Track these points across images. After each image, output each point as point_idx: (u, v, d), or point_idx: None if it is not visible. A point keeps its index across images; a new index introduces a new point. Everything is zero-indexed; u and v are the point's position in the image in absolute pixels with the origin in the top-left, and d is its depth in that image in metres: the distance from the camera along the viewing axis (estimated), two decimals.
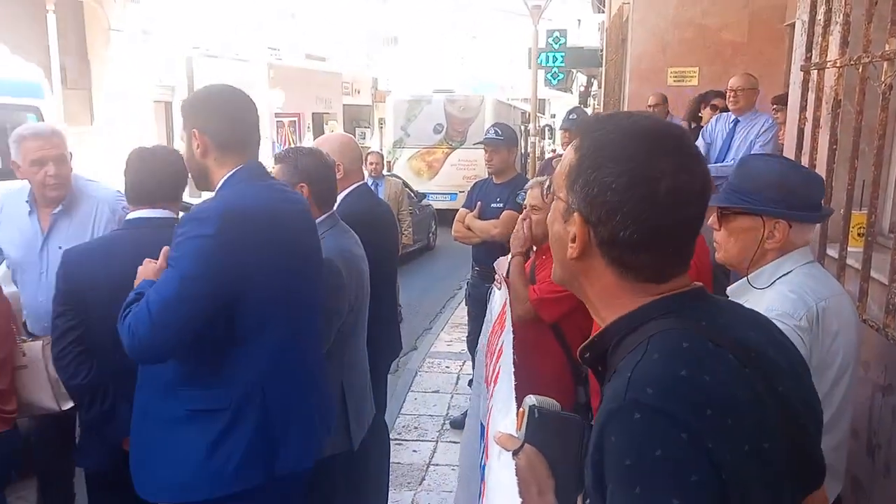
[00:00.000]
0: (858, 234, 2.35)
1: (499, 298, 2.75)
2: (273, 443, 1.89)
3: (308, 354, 2.05)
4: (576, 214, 1.01)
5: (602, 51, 12.39)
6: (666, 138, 1.01)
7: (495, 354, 2.11)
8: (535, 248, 2.96)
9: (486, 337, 2.71)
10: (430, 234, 12.25)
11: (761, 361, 0.96)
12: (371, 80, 29.07)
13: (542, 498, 1.05)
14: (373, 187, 6.17)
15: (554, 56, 16.09)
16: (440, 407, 5.28)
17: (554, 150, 28.94)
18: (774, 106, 5.29)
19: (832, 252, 2.48)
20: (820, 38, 2.48)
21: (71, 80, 13.85)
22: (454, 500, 2.66)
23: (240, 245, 1.80)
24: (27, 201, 2.94)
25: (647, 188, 0.96)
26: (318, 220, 2.46)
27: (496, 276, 2.92)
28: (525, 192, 3.74)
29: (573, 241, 1.03)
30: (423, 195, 12.29)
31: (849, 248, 2.32)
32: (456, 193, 14.76)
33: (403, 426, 5.00)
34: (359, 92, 28.23)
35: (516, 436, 1.13)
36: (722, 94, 5.48)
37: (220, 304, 1.78)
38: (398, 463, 4.35)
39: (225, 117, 1.99)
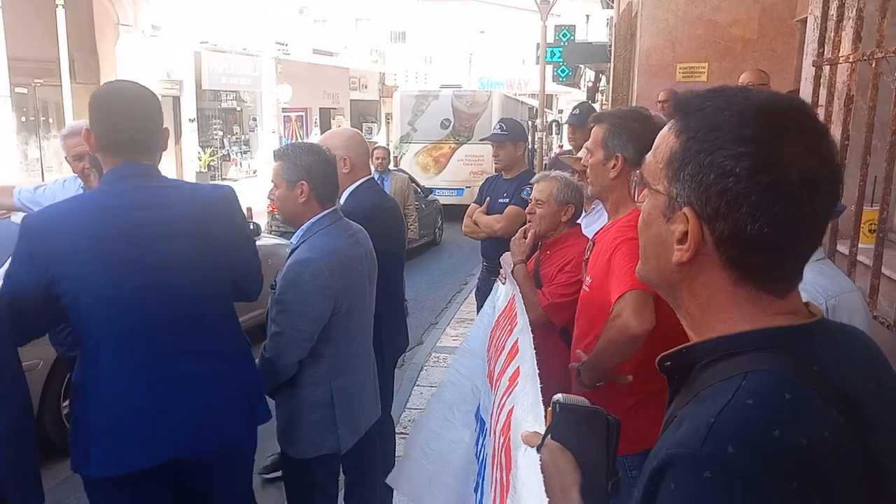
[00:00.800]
0: (870, 231, 2.34)
1: (503, 293, 2.73)
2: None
3: (191, 343, 2.09)
4: (685, 209, 0.86)
5: (610, 46, 12.35)
6: (791, 115, 0.86)
7: (503, 351, 2.09)
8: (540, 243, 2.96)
9: (488, 331, 2.69)
10: (437, 230, 12.24)
11: (865, 416, 0.82)
12: (379, 75, 29.08)
13: (565, 494, 0.99)
14: (379, 182, 6.24)
15: (552, 51, 16.04)
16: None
17: (561, 146, 28.89)
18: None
19: (843, 248, 2.47)
20: (832, 34, 2.46)
21: (80, 75, 13.90)
22: (403, 478, 2.62)
23: (51, 248, 1.92)
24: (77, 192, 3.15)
25: (775, 175, 0.81)
26: (315, 218, 2.48)
27: (500, 271, 2.91)
28: (530, 188, 3.79)
29: (680, 241, 0.88)
30: (430, 190, 12.27)
31: (860, 245, 2.31)
32: (462, 189, 14.74)
33: (409, 420, 5.00)
34: (366, 87, 28.25)
35: (540, 432, 1.10)
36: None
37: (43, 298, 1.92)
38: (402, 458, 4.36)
39: (104, 119, 2.00)
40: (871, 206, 2.38)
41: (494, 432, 1.71)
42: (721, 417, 0.77)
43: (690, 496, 0.76)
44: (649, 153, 0.95)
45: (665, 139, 0.90)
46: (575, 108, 5.78)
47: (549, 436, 1.06)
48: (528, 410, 1.35)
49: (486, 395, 2.28)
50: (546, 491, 1.01)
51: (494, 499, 1.53)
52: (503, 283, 2.83)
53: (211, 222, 2.11)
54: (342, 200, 3.16)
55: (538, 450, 1.05)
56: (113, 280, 1.93)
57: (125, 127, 2.00)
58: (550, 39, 15.54)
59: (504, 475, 1.36)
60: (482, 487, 2.08)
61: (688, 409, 0.84)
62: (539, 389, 1.41)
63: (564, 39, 15.81)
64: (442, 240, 12.41)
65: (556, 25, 15.28)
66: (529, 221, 2.98)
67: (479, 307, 4.80)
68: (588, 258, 2.35)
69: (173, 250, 2.02)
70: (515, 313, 2.22)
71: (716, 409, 0.78)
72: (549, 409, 1.10)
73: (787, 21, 6.99)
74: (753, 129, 0.82)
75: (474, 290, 5.04)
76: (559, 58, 16.13)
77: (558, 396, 1.09)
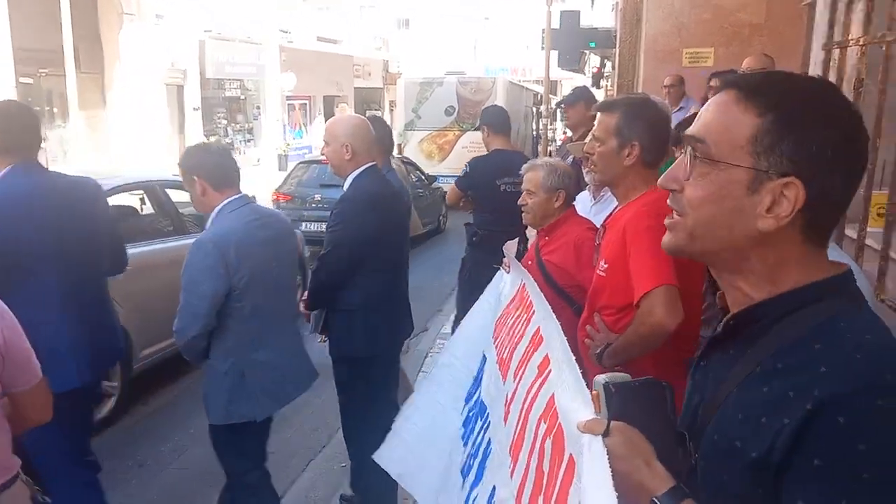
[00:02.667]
0: (878, 214, 2.33)
1: (510, 282, 2.73)
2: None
3: (85, 293, 2.85)
4: (789, 179, 0.94)
5: (616, 31, 12.25)
6: (845, 99, 1.01)
7: (522, 339, 2.07)
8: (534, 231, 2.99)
9: (492, 319, 2.67)
10: (440, 217, 12.23)
11: None
12: (382, 62, 28.99)
13: (651, 468, 1.02)
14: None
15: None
16: None
17: (565, 133, 28.73)
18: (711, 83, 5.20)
19: (850, 232, 2.46)
20: (843, 16, 2.44)
21: (84, 64, 13.88)
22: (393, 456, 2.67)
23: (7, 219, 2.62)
24: None
25: (856, 143, 0.96)
26: (220, 206, 2.77)
27: (504, 260, 2.92)
28: (467, 167, 5.01)
29: (769, 210, 0.96)
30: (434, 178, 12.25)
31: (868, 229, 2.30)
32: None
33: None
34: (370, 74, 28.17)
35: (599, 418, 1.10)
36: (735, 73, 5.41)
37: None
38: None
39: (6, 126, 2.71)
40: (881, 189, 2.36)
41: (522, 420, 1.69)
42: (862, 353, 0.86)
43: (869, 425, 0.82)
44: (709, 130, 1.00)
45: (738, 118, 0.97)
46: (572, 92, 5.85)
47: (611, 419, 1.07)
48: (572, 398, 1.33)
49: (493, 382, 2.28)
50: (627, 471, 1.01)
51: (522, 486, 1.51)
52: (507, 272, 2.84)
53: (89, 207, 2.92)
54: (345, 187, 3.19)
55: (605, 435, 1.05)
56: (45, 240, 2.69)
57: (15, 133, 2.72)
58: (556, 25, 15.42)
59: (550, 463, 1.34)
60: (476, 470, 2.09)
61: (792, 357, 0.91)
62: (580, 375, 1.38)
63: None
64: (446, 227, 12.39)
65: (560, 11, 15.13)
66: (524, 212, 3.01)
67: (465, 294, 4.80)
68: (599, 244, 2.36)
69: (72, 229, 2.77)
70: (530, 301, 2.20)
71: (847, 348, 0.87)
72: (595, 392, 1.12)
73: (795, 5, 6.91)
74: (836, 107, 0.96)
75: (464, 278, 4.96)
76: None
77: (602, 378, 1.11)
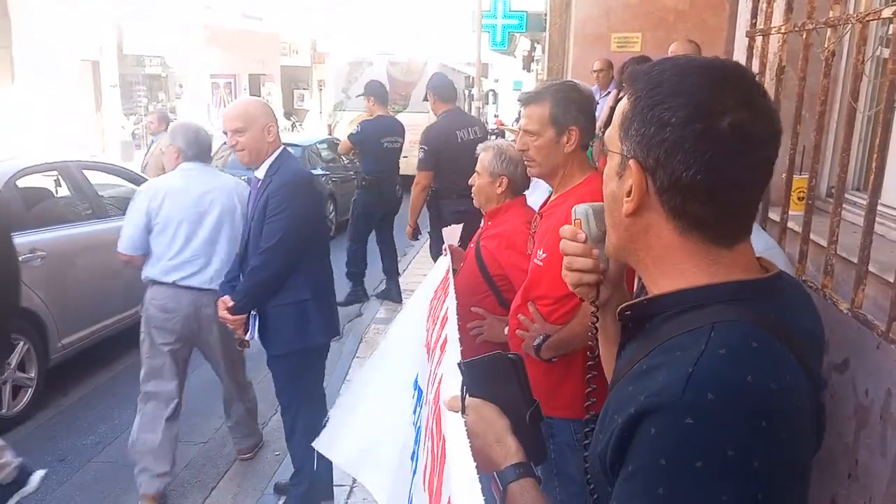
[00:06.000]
0: (799, 199, 2.42)
1: (442, 265, 2.71)
2: None
3: None
4: (631, 162, 0.93)
5: (546, 15, 12.35)
6: (726, 72, 0.93)
7: (438, 321, 2.09)
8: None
9: (427, 301, 2.67)
10: None
11: (811, 356, 0.92)
12: (310, 41, 28.37)
13: (501, 443, 1.04)
14: (148, 145, 7.81)
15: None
16: None
17: (497, 116, 28.90)
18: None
19: (774, 215, 2.55)
20: (765, 5, 2.51)
21: None
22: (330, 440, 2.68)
23: None
24: None
25: (708, 122, 0.87)
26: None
27: (444, 246, 2.90)
28: (358, 128, 6.62)
29: (628, 194, 0.94)
30: None
31: (790, 212, 2.38)
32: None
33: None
34: (297, 52, 27.56)
35: (457, 396, 1.14)
36: (647, 60, 5.52)
37: None
38: None
39: None
40: (801, 174, 2.45)
41: (428, 402, 1.72)
42: (699, 367, 0.82)
43: (672, 441, 0.80)
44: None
45: (622, 105, 0.97)
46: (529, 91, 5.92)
47: (466, 396, 1.10)
48: (453, 376, 1.36)
49: (422, 365, 2.28)
50: (481, 447, 1.04)
51: (426, 468, 1.54)
52: (445, 255, 2.83)
53: None
54: (264, 172, 3.10)
55: (462, 413, 1.09)
56: None
57: None
58: (487, 7, 15.44)
59: (435, 445, 1.37)
60: (417, 455, 2.10)
61: (657, 359, 0.89)
62: (459, 351, 1.44)
63: (504, 8, 15.72)
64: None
65: None
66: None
67: (358, 227, 6.22)
68: (535, 231, 2.34)
69: None
70: (449, 283, 2.21)
71: (692, 359, 0.83)
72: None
73: None
74: (690, 84, 0.90)
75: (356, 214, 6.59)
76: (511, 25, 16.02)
77: (457, 358, 1.17)
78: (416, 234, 5.97)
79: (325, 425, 2.74)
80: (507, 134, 13.72)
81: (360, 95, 7.04)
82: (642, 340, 0.98)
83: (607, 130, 1.01)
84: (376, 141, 6.52)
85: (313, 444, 2.67)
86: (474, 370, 1.12)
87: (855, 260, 1.98)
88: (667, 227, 0.93)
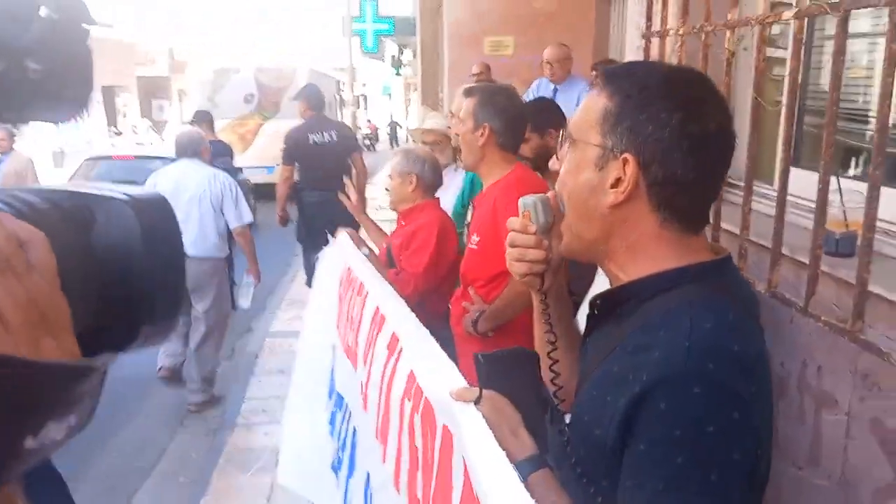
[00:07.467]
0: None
1: (336, 266, 2.61)
2: None
3: None
4: (625, 156, 0.99)
5: (416, 19, 12.44)
6: (701, 81, 1.05)
7: (361, 322, 2.04)
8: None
9: (333, 307, 2.58)
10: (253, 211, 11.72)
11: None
12: (167, 49, 27.03)
13: (516, 436, 1.06)
14: None
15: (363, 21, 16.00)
16: (288, 387, 5.13)
17: (369, 121, 28.78)
18: (594, 72, 5.62)
19: None
20: (660, 8, 2.65)
21: None
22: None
23: None
24: None
25: (701, 126, 0.97)
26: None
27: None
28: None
29: (614, 185, 1.00)
30: (239, 169, 11.70)
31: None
32: (273, 166, 14.14)
33: (250, 411, 4.80)
34: (154, 62, 26.18)
35: (470, 387, 1.14)
36: (611, 63, 5.72)
37: None
38: (251, 449, 4.21)
39: None
40: None
41: (383, 402, 1.67)
42: (693, 340, 0.89)
43: (684, 411, 0.86)
44: (575, 114, 1.09)
45: (595, 101, 1.03)
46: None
47: (482, 388, 1.11)
48: (433, 370, 1.35)
49: (344, 372, 2.22)
50: (497, 438, 1.05)
51: (398, 467, 1.50)
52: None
53: None
54: None
55: (476, 403, 1.09)
56: None
57: None
58: (356, 12, 15.35)
59: (423, 437, 1.34)
60: (347, 463, 2.05)
61: (640, 338, 0.95)
62: (437, 346, 1.44)
63: (373, 12, 15.71)
64: (257, 221, 11.89)
65: None
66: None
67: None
68: (469, 220, 2.58)
69: None
70: (360, 283, 2.17)
71: (684, 334, 0.90)
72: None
73: None
74: (680, 89, 1.00)
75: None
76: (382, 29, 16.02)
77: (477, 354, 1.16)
78: (284, 220, 6.38)
79: (277, 459, 2.64)
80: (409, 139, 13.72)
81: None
82: (614, 325, 1.04)
83: (573, 120, 1.08)
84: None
85: (279, 483, 2.64)
86: (494, 363, 1.14)
87: (763, 243, 2.14)
88: (649, 217, 1.00)
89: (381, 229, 3.38)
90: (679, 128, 0.96)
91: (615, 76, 1.04)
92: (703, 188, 1.01)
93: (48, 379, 0.41)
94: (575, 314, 1.33)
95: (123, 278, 0.54)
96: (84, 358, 0.48)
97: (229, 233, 4.81)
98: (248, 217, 4.82)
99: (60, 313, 0.46)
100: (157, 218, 0.59)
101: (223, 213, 4.69)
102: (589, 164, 1.03)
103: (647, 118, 0.97)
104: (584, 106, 1.06)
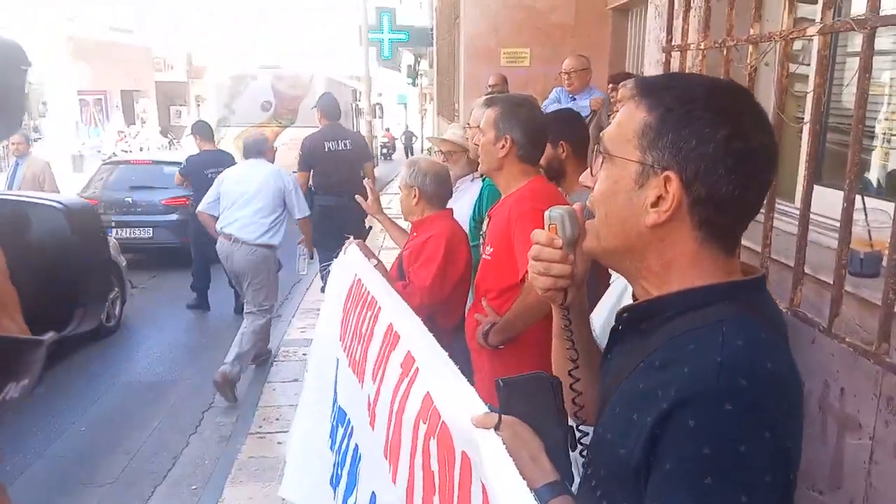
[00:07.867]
0: None
1: (343, 278, 2.56)
2: None
3: None
4: (667, 173, 0.94)
5: (433, 29, 12.48)
6: (745, 96, 1.01)
7: (371, 338, 2.00)
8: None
9: (336, 320, 2.54)
10: None
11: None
12: (186, 55, 27.29)
13: (536, 462, 1.03)
14: (13, 168, 7.93)
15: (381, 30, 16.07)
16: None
17: (387, 129, 28.85)
18: (611, 84, 5.61)
19: None
20: (681, 22, 2.63)
21: None
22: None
23: None
24: None
25: (745, 143, 0.93)
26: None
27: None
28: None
29: (655, 204, 0.96)
30: None
31: None
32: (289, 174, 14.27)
33: (264, 419, 4.80)
34: (172, 67, 26.43)
35: (490, 413, 1.12)
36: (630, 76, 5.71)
37: None
38: (264, 457, 4.20)
39: None
40: None
41: (394, 422, 1.64)
42: (725, 356, 0.86)
43: (715, 428, 0.83)
44: (610, 127, 1.04)
45: (632, 115, 0.99)
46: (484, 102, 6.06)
47: (502, 413, 1.10)
48: (453, 394, 1.32)
49: (349, 386, 2.19)
50: (517, 464, 1.03)
51: (411, 489, 1.47)
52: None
53: None
54: None
55: (496, 429, 1.07)
56: None
57: None
58: (372, 21, 15.41)
59: (439, 462, 1.32)
60: (346, 479, 2.03)
61: (667, 354, 0.92)
62: (457, 370, 1.40)
63: (389, 24, 15.78)
64: None
65: (376, 7, 15.15)
66: None
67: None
68: (485, 231, 2.56)
69: None
70: (372, 297, 2.12)
71: (715, 350, 0.87)
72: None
73: (601, 9, 7.44)
74: (724, 103, 0.95)
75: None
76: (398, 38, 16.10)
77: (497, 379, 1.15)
78: None
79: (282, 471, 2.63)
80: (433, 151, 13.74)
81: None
82: (638, 340, 1.01)
83: (607, 134, 1.03)
84: (201, 173, 7.08)
85: (280, 495, 2.58)
86: (515, 388, 1.11)
87: (785, 261, 2.11)
88: (689, 235, 0.97)
89: (400, 228, 3.37)
90: (724, 143, 0.92)
91: (654, 88, 0.99)
92: (745, 206, 0.97)
93: (12, 349, 0.55)
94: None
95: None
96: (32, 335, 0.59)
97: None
98: (306, 210, 5.68)
99: (11, 299, 0.59)
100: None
101: (285, 205, 5.44)
102: (627, 181, 0.98)
103: (691, 133, 0.93)
104: (620, 120, 1.01)
